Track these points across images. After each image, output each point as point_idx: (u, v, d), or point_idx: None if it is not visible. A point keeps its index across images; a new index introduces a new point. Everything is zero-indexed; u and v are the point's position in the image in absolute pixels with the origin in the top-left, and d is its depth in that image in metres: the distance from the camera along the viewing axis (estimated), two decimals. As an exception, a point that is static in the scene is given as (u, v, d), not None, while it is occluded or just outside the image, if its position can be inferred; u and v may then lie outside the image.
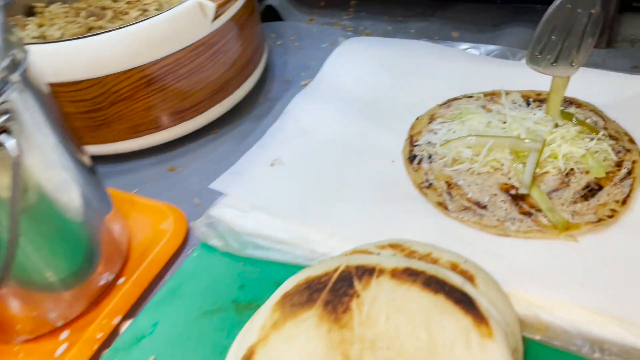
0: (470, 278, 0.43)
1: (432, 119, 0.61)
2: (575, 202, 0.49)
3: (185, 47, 0.59)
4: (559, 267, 0.45)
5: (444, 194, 0.52)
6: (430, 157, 0.56)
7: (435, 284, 0.39)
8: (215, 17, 0.60)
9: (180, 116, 0.63)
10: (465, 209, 0.50)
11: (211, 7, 0.59)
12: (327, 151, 0.59)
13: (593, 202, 0.49)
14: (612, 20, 0.64)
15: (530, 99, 0.60)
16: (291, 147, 0.60)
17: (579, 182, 0.51)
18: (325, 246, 0.49)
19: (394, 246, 0.46)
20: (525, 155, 0.52)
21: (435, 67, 0.68)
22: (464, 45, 0.72)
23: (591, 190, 0.50)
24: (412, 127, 0.61)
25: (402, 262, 0.42)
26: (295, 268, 0.46)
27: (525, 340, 0.42)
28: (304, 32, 0.80)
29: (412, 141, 0.59)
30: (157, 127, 0.63)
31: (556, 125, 0.54)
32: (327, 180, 0.55)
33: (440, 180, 0.54)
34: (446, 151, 0.55)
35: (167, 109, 0.62)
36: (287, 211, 0.52)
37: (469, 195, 0.51)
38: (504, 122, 0.56)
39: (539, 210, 0.49)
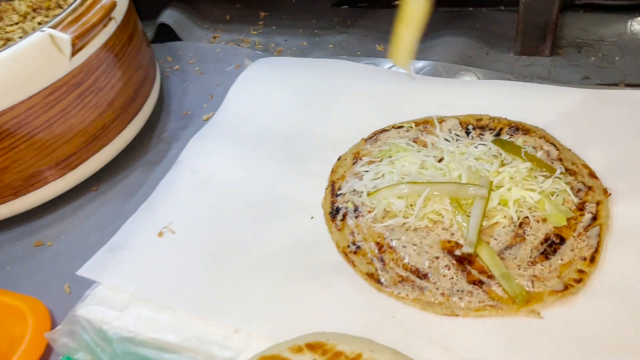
0: None
1: (356, 157, 0.50)
2: (534, 263, 0.40)
3: (39, 92, 0.46)
4: (521, 358, 0.35)
5: (375, 260, 0.42)
6: (356, 209, 0.46)
7: None
8: (75, 52, 0.47)
9: (44, 176, 0.50)
10: (402, 280, 0.40)
11: (66, 40, 0.46)
12: (229, 211, 0.47)
13: (555, 261, 0.40)
14: (556, 23, 0.56)
15: (470, 126, 0.51)
16: (185, 208, 0.48)
17: (535, 235, 0.41)
18: (226, 349, 0.38)
19: (312, 347, 0.36)
20: (469, 203, 0.42)
21: (358, 92, 0.58)
22: (390, 63, 0.62)
23: (552, 245, 0.40)
24: (334, 171, 0.50)
25: None
26: (188, 386, 0.35)
27: None
28: (206, 53, 0.68)
29: (333, 190, 0.48)
30: (14, 193, 0.50)
31: (502, 164, 0.45)
32: (228, 252, 0.44)
33: (369, 241, 0.43)
34: (375, 202, 0.45)
35: (26, 169, 0.49)
36: (178, 302, 0.41)
37: (405, 261, 0.41)
38: (440, 161, 0.46)
39: (492, 276, 0.39)
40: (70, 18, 0.47)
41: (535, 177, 0.43)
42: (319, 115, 0.56)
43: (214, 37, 0.72)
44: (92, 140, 0.52)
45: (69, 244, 0.50)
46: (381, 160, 0.49)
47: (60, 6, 0.64)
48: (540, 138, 0.48)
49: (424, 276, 0.40)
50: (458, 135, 0.50)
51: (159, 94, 0.62)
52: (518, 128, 0.50)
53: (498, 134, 0.49)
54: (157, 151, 0.58)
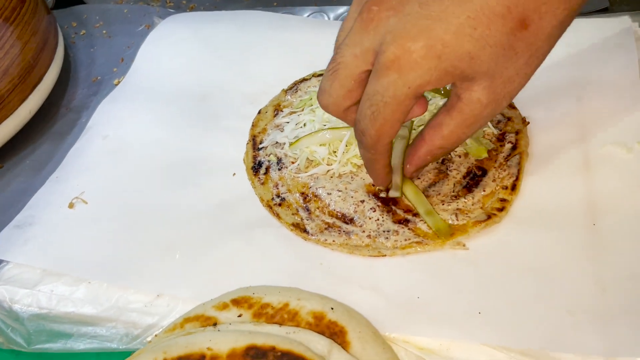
0: (340, 333, 0.32)
1: (277, 109, 0.49)
2: (457, 197, 0.39)
3: None
4: (449, 292, 0.35)
5: (300, 210, 0.41)
6: (279, 162, 0.44)
7: None
8: (-45, 14, 0.43)
9: (-63, 156, 0.46)
10: (329, 227, 0.39)
11: (-60, 0, 0.41)
12: (145, 176, 0.45)
13: (478, 193, 0.39)
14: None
15: (390, 69, 0.50)
16: (97, 177, 0.45)
17: (458, 169, 0.41)
18: (149, 315, 0.36)
19: (238, 302, 0.34)
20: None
21: (277, 42, 0.56)
22: (308, 11, 0.60)
23: (474, 178, 0.40)
24: (254, 125, 0.48)
25: (242, 338, 0.30)
26: (110, 357, 0.33)
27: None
28: (113, 15, 0.64)
29: (255, 144, 0.46)
30: None
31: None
32: (146, 218, 0.42)
33: (294, 192, 0.42)
34: (297, 152, 0.43)
35: None
36: (94, 273, 0.38)
37: (331, 208, 0.40)
38: (362, 104, 0.45)
39: (417, 214, 0.39)
40: (-56, -23, 0.43)
41: (455, 112, 0.43)
42: (236, 70, 0.54)
43: (121, -2, 0.67)
44: (-12, 114, 0.48)
45: (-26, 225, 0.46)
46: (302, 110, 0.47)
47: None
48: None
49: (350, 221, 0.39)
50: (378, 79, 0.49)
51: (63, 61, 0.57)
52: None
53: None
54: (66, 121, 0.54)
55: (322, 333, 0.31)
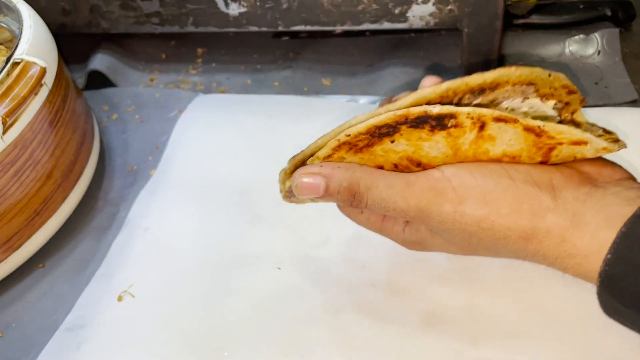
0: None
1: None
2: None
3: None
4: None
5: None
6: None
7: None
8: (7, 129, 0.43)
9: (-16, 263, 0.46)
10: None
11: (-6, 119, 0.42)
12: (188, 271, 0.46)
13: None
14: (499, 50, 0.56)
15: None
16: (142, 271, 0.46)
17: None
18: None
19: None
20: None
21: (311, 130, 0.56)
22: (343, 98, 0.61)
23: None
24: (297, 224, 0.49)
25: None
26: None
27: None
28: (145, 99, 0.65)
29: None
30: (-48, 286, 0.45)
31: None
32: (193, 317, 0.42)
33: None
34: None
35: (-38, 258, 0.45)
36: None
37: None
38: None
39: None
40: (-3, 93, 0.43)
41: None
42: (272, 159, 0.54)
43: (151, 80, 0.68)
44: (33, 217, 0.48)
45: (21, 332, 0.46)
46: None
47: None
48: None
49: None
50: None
51: (99, 151, 0.58)
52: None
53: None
54: (105, 214, 0.54)
55: None
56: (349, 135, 0.32)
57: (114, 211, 0.54)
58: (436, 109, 0.32)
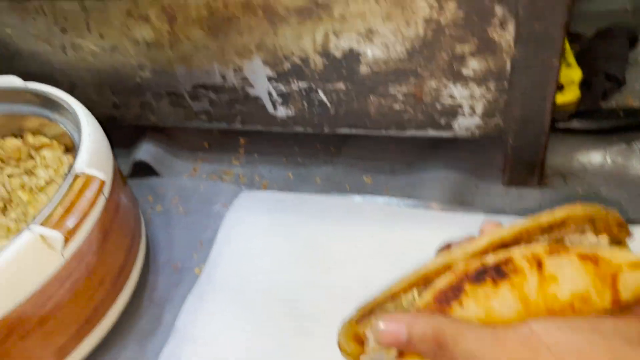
0: None
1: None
2: None
3: (31, 296, 0.43)
4: None
5: None
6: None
7: None
8: (67, 244, 0.44)
9: (34, 374, 0.46)
10: None
11: (58, 239, 0.43)
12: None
13: None
14: (543, 160, 0.57)
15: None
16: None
17: None
18: None
19: None
20: None
21: (358, 234, 0.57)
22: (382, 199, 0.61)
23: None
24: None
25: None
26: None
27: None
28: (188, 191, 0.66)
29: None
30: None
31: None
32: None
33: None
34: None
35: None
36: None
37: None
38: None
39: None
40: (60, 210, 0.44)
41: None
42: (319, 262, 0.55)
43: (194, 169, 0.69)
44: (84, 325, 0.49)
45: None
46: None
47: (31, 157, 0.61)
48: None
49: None
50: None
51: (146, 247, 0.59)
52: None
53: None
54: (150, 317, 0.54)
55: None
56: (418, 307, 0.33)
57: (158, 313, 0.55)
58: (491, 258, 0.32)
